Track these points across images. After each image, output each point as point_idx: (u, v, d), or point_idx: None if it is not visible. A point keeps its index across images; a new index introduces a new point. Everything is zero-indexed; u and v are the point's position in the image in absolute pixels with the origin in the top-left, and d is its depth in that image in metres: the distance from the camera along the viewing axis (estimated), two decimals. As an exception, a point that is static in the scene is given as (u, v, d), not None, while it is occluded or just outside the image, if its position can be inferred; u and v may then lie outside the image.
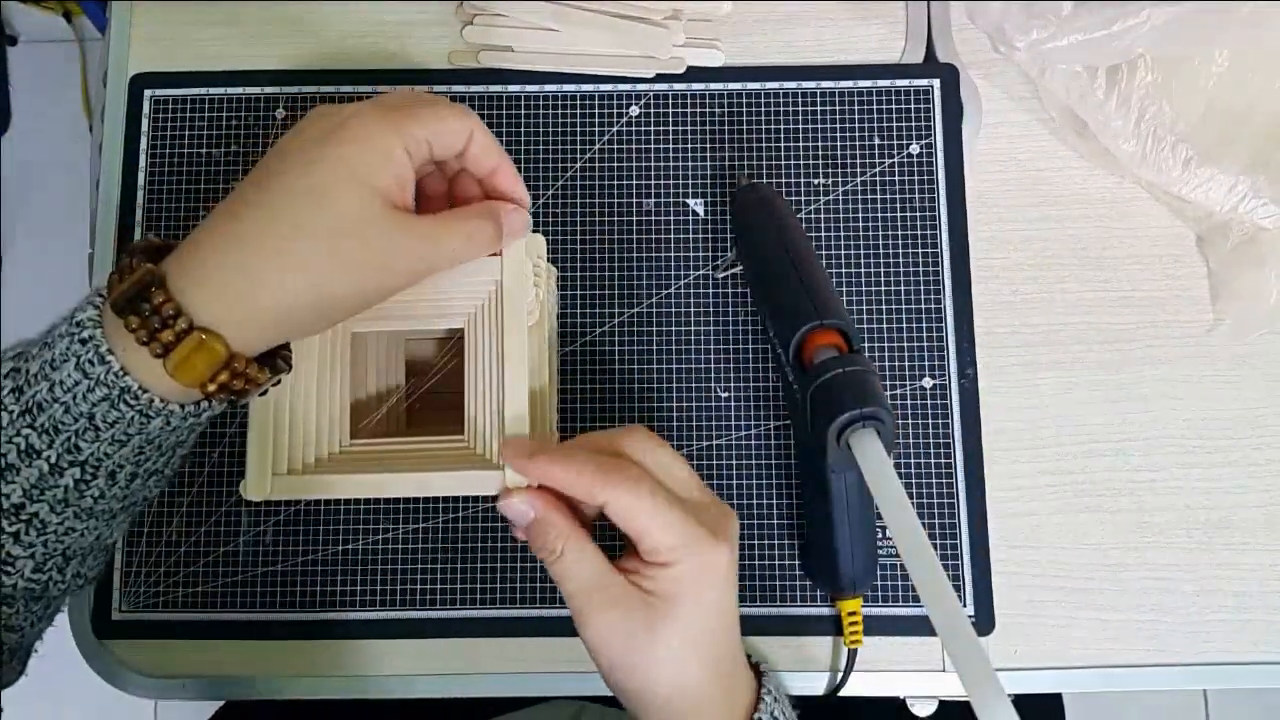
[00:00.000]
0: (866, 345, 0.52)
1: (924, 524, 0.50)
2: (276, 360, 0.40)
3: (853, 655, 0.49)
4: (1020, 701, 0.35)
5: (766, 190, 0.50)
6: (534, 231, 0.44)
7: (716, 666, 0.39)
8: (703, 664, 0.38)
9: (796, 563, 0.50)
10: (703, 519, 0.38)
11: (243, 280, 0.36)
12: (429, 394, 0.50)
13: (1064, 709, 0.65)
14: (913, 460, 0.51)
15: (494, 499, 0.40)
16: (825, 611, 0.50)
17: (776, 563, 0.50)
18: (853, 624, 0.48)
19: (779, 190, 0.53)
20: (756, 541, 0.50)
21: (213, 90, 0.55)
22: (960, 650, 0.33)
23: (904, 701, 0.51)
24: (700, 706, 0.38)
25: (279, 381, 0.40)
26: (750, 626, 0.50)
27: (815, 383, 0.41)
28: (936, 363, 0.52)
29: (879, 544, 0.49)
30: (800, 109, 0.54)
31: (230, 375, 0.37)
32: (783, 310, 0.45)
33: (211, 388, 0.36)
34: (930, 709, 0.50)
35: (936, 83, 0.54)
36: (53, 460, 0.36)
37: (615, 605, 0.37)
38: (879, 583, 0.50)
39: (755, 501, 0.51)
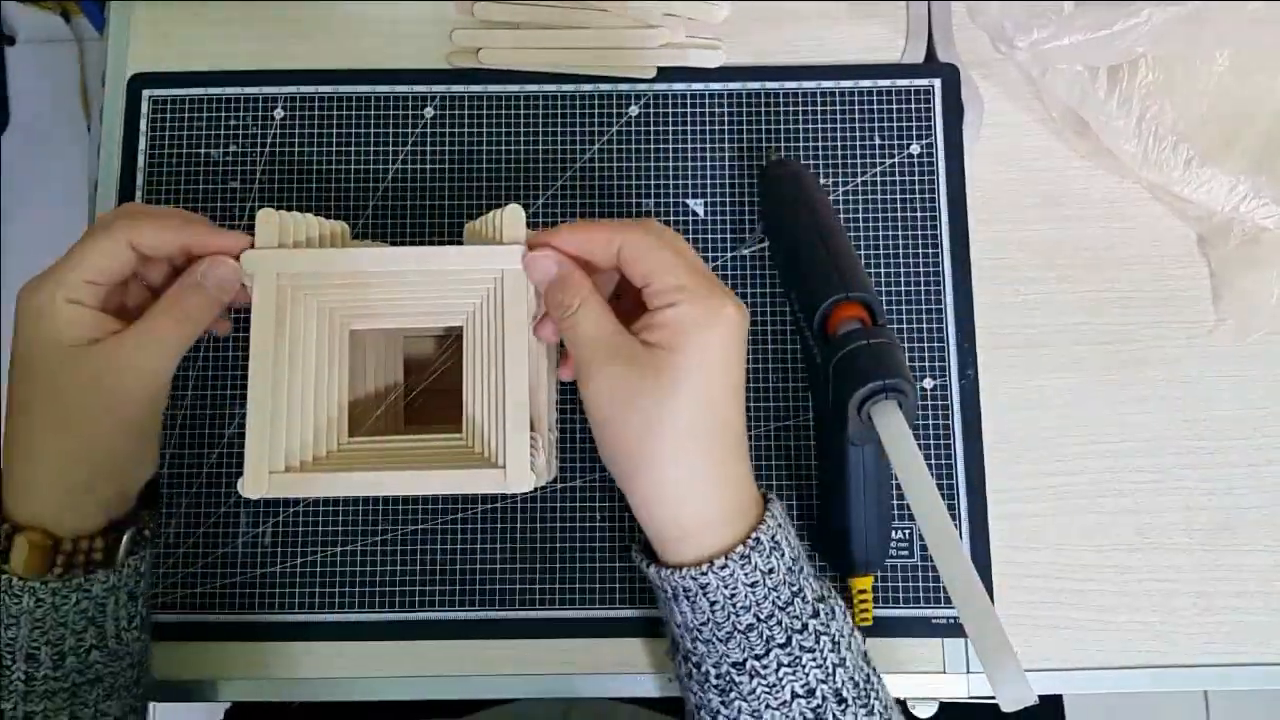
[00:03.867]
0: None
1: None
2: (135, 529, 0.43)
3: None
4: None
5: (795, 165, 0.50)
6: (534, 230, 0.44)
7: (713, 441, 0.37)
8: (697, 433, 0.37)
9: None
10: (711, 281, 0.39)
11: (29, 467, 0.38)
12: (427, 392, 0.49)
13: (1064, 709, 0.64)
14: (913, 461, 0.51)
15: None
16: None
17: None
18: (862, 601, 0.48)
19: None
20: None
21: (211, 90, 0.55)
22: (974, 613, 0.33)
23: (904, 703, 0.50)
24: (694, 482, 0.37)
25: (144, 550, 0.43)
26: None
27: (839, 354, 0.41)
28: (937, 363, 0.52)
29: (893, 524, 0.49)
30: (800, 109, 0.54)
31: (68, 557, 0.39)
32: (809, 282, 0.45)
33: (58, 570, 0.39)
34: (931, 710, 0.50)
35: (937, 82, 0.54)
36: None
37: (618, 357, 0.38)
38: (880, 584, 0.50)
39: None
